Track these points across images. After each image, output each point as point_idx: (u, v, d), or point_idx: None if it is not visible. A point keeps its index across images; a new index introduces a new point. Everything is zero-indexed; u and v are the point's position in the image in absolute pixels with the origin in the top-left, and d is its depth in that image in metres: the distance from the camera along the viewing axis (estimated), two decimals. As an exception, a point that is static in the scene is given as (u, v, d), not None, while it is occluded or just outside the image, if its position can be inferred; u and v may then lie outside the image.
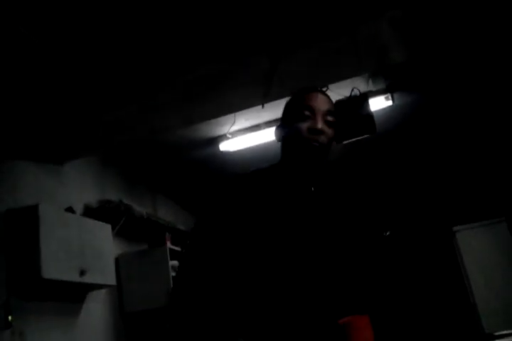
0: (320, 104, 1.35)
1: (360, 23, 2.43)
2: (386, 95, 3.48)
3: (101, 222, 3.36)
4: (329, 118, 1.35)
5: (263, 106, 2.84)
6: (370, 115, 3.27)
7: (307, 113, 1.33)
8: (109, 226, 3.43)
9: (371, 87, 3.38)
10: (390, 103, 3.51)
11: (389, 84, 3.45)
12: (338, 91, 3.26)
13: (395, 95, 3.53)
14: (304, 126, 1.32)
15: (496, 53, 3.17)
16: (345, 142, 3.45)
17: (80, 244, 3.05)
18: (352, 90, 3.32)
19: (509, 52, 3.17)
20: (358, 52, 2.37)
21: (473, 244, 4.92)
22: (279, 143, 1.40)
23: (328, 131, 1.34)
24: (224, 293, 1.25)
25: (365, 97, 3.24)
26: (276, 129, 1.42)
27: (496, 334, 2.10)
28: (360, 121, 3.24)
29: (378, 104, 3.48)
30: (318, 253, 1.27)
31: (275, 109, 3.66)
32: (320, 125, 1.32)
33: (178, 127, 3.29)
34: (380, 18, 2.33)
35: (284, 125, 1.39)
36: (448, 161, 4.68)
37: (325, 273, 1.26)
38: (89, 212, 3.54)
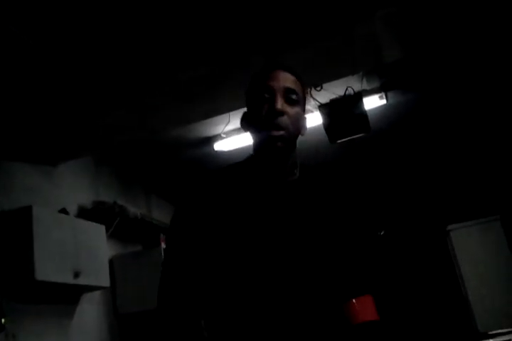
0: (279, 82, 1.21)
1: (355, 22, 2.42)
2: (380, 94, 3.48)
3: (95, 223, 3.33)
4: (292, 96, 1.21)
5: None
6: (364, 114, 3.28)
7: (267, 95, 1.20)
8: (103, 228, 3.41)
9: (365, 86, 3.38)
10: (384, 102, 3.51)
11: (383, 83, 3.45)
12: (332, 91, 3.27)
13: (389, 94, 3.54)
14: (263, 109, 1.19)
15: (490, 51, 3.18)
16: (339, 141, 3.46)
17: (74, 245, 3.03)
18: (346, 89, 3.32)
19: (504, 50, 3.18)
20: (353, 52, 2.37)
21: (467, 243, 4.93)
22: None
23: (291, 110, 1.20)
24: (203, 291, 1.20)
25: (359, 96, 3.25)
26: (241, 117, 1.30)
27: (490, 333, 2.10)
28: (354, 120, 3.25)
29: (372, 102, 3.48)
30: (289, 248, 1.19)
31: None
32: (278, 105, 1.18)
33: (175, 127, 3.28)
34: (374, 17, 2.32)
35: (246, 112, 1.27)
36: (442, 160, 4.70)
37: (296, 271, 1.18)
38: (83, 213, 3.52)
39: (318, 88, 3.11)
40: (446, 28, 2.58)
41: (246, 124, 1.27)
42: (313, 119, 3.37)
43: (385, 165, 4.71)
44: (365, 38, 2.41)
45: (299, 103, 1.24)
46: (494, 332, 2.10)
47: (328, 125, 3.29)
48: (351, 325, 1.19)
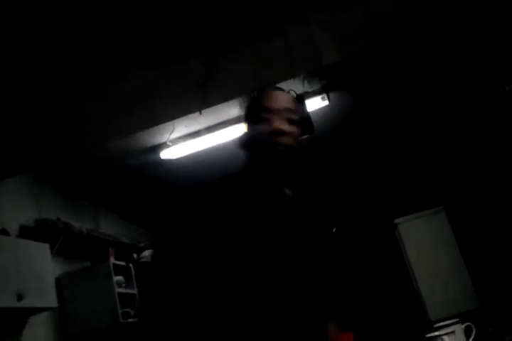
0: (277, 102, 1.25)
1: (291, 25, 2.44)
2: (322, 95, 3.53)
3: (38, 243, 3.19)
4: (290, 116, 1.24)
5: (200, 113, 2.79)
6: (307, 116, 3.31)
7: (265, 115, 1.23)
8: (47, 246, 3.27)
9: (307, 88, 3.42)
10: (326, 103, 3.56)
11: (324, 84, 3.50)
12: (274, 94, 3.29)
13: (331, 95, 3.60)
14: (264, 129, 1.22)
15: (429, 50, 3.29)
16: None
17: (16, 267, 2.88)
18: (288, 92, 3.35)
19: (442, 50, 3.31)
20: (291, 55, 2.39)
21: (415, 235, 5.09)
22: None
23: (291, 130, 1.23)
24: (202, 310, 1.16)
25: (301, 99, 3.28)
26: (241, 140, 1.31)
27: (439, 325, 2.18)
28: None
29: (315, 104, 3.52)
30: (298, 262, 1.20)
31: (214, 115, 3.67)
32: (279, 125, 1.21)
33: (115, 139, 3.19)
34: (309, 20, 2.35)
35: (245, 132, 1.29)
36: (385, 156, 4.83)
37: (302, 281, 1.19)
38: (25, 232, 3.37)
39: (261, 92, 3.11)
40: (381, 29, 2.64)
41: (246, 146, 1.28)
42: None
43: (332, 164, 4.79)
44: (301, 41, 2.43)
45: (297, 122, 1.26)
46: (443, 323, 2.17)
47: (273, 128, 3.31)
48: None
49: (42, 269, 3.13)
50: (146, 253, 4.34)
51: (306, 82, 3.36)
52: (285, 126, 1.22)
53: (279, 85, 3.07)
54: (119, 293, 3.69)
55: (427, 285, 4.88)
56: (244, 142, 1.28)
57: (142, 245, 4.54)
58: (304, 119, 3.27)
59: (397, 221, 5.13)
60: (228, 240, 1.16)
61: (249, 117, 1.29)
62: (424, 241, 5.02)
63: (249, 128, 1.28)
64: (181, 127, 3.54)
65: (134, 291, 4.00)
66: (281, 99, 1.27)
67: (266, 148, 1.21)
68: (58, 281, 3.57)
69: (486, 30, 3.11)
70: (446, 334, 2.04)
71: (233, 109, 3.28)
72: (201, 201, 1.22)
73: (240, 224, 1.18)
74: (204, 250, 1.16)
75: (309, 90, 3.47)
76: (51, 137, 3.09)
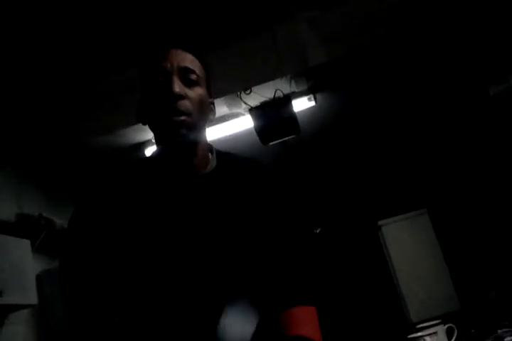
0: (173, 62, 1.04)
1: (279, 25, 2.45)
2: (309, 96, 3.54)
3: (18, 238, 3.14)
4: (190, 76, 1.05)
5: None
6: (293, 116, 3.33)
7: (161, 78, 1.04)
8: (27, 242, 3.22)
9: (294, 88, 3.43)
10: (312, 103, 3.58)
11: (311, 85, 3.52)
12: (262, 93, 3.29)
13: (318, 96, 3.61)
14: (159, 94, 1.02)
15: (416, 53, 3.32)
16: (271, 143, 3.49)
17: (-4, 263, 2.84)
18: (275, 92, 3.36)
19: (428, 53, 3.34)
20: (279, 55, 2.39)
21: (398, 237, 5.12)
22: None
23: (191, 93, 1.05)
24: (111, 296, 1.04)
25: (287, 99, 3.29)
26: (137, 108, 1.12)
27: (421, 326, 2.19)
28: (284, 122, 3.29)
29: (301, 104, 3.53)
30: (197, 250, 1.03)
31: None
32: (176, 88, 1.01)
33: (100, 134, 3.16)
34: (297, 19, 2.36)
35: (140, 100, 1.10)
36: (370, 158, 4.86)
37: (209, 275, 1.03)
38: (6, 228, 3.31)
39: (248, 91, 3.12)
40: (368, 30, 2.66)
41: (142, 115, 1.09)
42: (246, 122, 3.38)
43: (317, 164, 4.81)
44: (289, 41, 2.44)
45: (200, 84, 1.08)
46: (425, 324, 2.18)
47: (260, 128, 3.32)
48: (285, 336, 1.03)
49: (22, 265, 3.08)
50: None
51: (293, 82, 3.37)
52: (183, 89, 1.03)
53: (267, 85, 3.09)
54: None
55: (408, 287, 4.91)
56: (140, 112, 1.10)
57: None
58: (291, 119, 3.29)
59: (380, 223, 5.17)
60: (128, 221, 1.04)
61: (142, 80, 1.09)
62: (407, 243, 5.06)
63: (143, 93, 1.08)
64: (167, 124, 3.52)
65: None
66: (178, 57, 1.06)
67: (164, 119, 1.03)
68: (39, 278, 3.52)
69: (470, 35, 3.15)
70: (428, 335, 2.05)
71: (220, 107, 3.28)
72: (109, 183, 1.10)
73: (141, 208, 1.05)
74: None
75: (296, 90, 3.48)
76: (34, 132, 3.06)
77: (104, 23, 2.39)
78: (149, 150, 3.75)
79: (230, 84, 2.56)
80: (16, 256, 3.05)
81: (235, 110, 3.40)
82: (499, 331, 2.29)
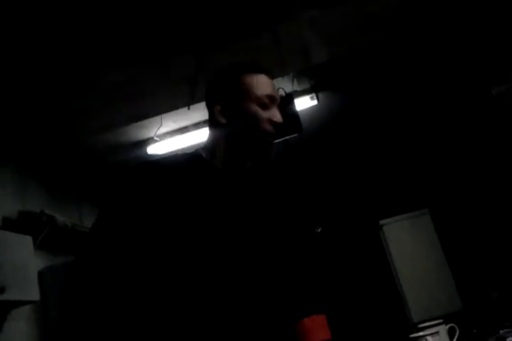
0: (276, 93, 1.20)
1: (281, 24, 2.45)
2: (311, 95, 3.54)
3: (20, 235, 3.15)
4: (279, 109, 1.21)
5: (189, 108, 2.79)
6: (296, 115, 3.32)
7: (267, 101, 1.17)
8: (30, 239, 3.23)
9: (296, 87, 3.43)
10: (315, 102, 3.58)
11: (313, 84, 3.52)
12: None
13: (320, 95, 3.61)
14: (264, 116, 1.15)
15: (418, 53, 3.32)
16: (274, 142, 3.49)
17: (-2, 259, 2.85)
18: (278, 90, 3.36)
19: (430, 53, 3.33)
20: (281, 53, 2.40)
21: (399, 237, 5.12)
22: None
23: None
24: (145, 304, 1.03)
25: (290, 97, 3.29)
26: (218, 110, 1.17)
27: (423, 325, 2.19)
28: (286, 120, 3.29)
29: (304, 103, 3.53)
30: (252, 253, 1.09)
31: (203, 110, 3.65)
32: (280, 117, 1.17)
33: (102, 131, 3.17)
34: (299, 19, 2.36)
35: (233, 108, 1.16)
36: (372, 158, 4.86)
37: (259, 276, 1.08)
38: (8, 224, 3.32)
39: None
40: (371, 29, 2.67)
41: (228, 119, 1.16)
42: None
43: (319, 163, 4.81)
44: (291, 40, 2.44)
45: None
46: (426, 324, 2.18)
47: (262, 126, 3.31)
48: None
49: (24, 262, 3.09)
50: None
51: (295, 81, 3.37)
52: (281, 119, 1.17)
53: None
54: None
55: (410, 287, 4.91)
56: (232, 120, 1.16)
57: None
58: (293, 118, 3.29)
59: (382, 222, 5.16)
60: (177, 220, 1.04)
61: (244, 94, 1.17)
62: (408, 243, 5.06)
63: (241, 107, 1.16)
64: (169, 122, 3.53)
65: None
66: (276, 90, 1.22)
67: (260, 136, 1.15)
68: (41, 275, 3.52)
69: (473, 35, 3.15)
70: (430, 334, 2.04)
71: (222, 105, 3.27)
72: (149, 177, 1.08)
73: (192, 209, 1.06)
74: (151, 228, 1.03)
75: (298, 89, 3.48)
76: (36, 129, 3.07)
77: (105, 21, 2.40)
78: (151, 148, 3.75)
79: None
80: (18, 253, 3.06)
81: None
82: (501, 331, 2.29)
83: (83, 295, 1.02)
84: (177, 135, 3.72)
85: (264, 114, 1.16)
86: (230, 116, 1.17)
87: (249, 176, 1.22)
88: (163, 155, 1.23)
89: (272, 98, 1.18)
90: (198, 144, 3.97)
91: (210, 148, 1.19)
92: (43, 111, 2.99)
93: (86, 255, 1.05)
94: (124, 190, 1.08)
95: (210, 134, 1.22)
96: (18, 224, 3.37)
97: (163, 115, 3.20)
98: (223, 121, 1.17)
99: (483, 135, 4.49)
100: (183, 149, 3.76)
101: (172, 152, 3.77)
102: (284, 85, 3.29)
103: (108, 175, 4.02)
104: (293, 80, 3.36)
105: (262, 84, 1.19)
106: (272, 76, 1.25)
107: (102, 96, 2.73)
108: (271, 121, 1.16)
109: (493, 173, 4.50)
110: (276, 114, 1.17)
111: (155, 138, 3.70)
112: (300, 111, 3.38)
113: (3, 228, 3.23)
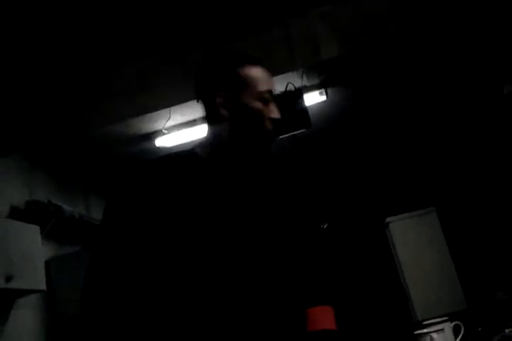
0: (273, 86, 1.19)
1: (292, 19, 2.44)
2: (320, 90, 3.53)
3: (28, 224, 3.18)
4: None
5: (198, 101, 2.79)
6: (304, 110, 3.31)
7: (268, 97, 1.16)
8: (37, 228, 3.26)
9: (305, 82, 3.42)
10: (324, 98, 3.57)
11: (323, 79, 3.50)
12: (274, 86, 3.29)
13: (329, 90, 3.60)
14: (266, 113, 1.15)
15: (428, 50, 3.30)
16: (281, 136, 3.48)
17: (5, 248, 2.87)
18: (287, 85, 3.35)
19: (441, 51, 3.31)
20: (291, 48, 2.39)
21: (405, 234, 5.10)
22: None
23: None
24: (152, 298, 1.05)
25: (299, 92, 3.28)
26: (220, 103, 1.14)
27: (427, 323, 2.19)
28: (295, 115, 3.28)
29: (313, 99, 3.52)
30: (259, 247, 1.10)
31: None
32: (278, 113, 1.17)
33: (111, 123, 3.18)
34: (310, 14, 2.35)
35: (235, 101, 1.14)
36: (380, 154, 4.84)
37: (266, 271, 1.10)
38: (16, 213, 3.35)
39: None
40: (381, 25, 2.65)
41: (227, 114, 1.14)
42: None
43: (326, 160, 4.80)
44: (302, 35, 2.43)
45: None
46: (431, 321, 2.18)
47: (270, 121, 3.31)
48: (306, 331, 1.14)
49: (31, 251, 3.12)
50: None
51: (304, 76, 3.36)
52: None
53: (279, 78, 3.08)
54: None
55: (415, 285, 4.90)
56: (232, 115, 1.14)
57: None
58: (302, 113, 3.28)
59: (388, 220, 5.16)
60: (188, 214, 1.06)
61: (245, 87, 1.14)
62: (414, 241, 5.04)
63: (241, 101, 1.13)
64: (177, 115, 3.53)
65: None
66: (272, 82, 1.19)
67: (262, 133, 1.15)
68: (47, 264, 3.56)
69: (485, 33, 3.12)
70: (435, 331, 2.04)
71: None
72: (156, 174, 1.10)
73: (196, 204, 1.08)
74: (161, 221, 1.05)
75: (307, 84, 3.47)
76: (44, 119, 3.08)
77: (120, 14, 2.40)
78: (159, 141, 3.76)
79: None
80: (26, 242, 3.09)
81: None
82: (506, 330, 2.28)
83: (92, 296, 1.06)
84: (185, 128, 3.72)
85: (265, 111, 1.15)
86: (232, 109, 1.15)
87: (252, 172, 1.21)
88: (161, 155, 1.22)
89: (271, 93, 1.18)
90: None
91: (210, 144, 1.19)
92: (53, 101, 3.00)
93: (97, 257, 1.12)
94: (127, 192, 1.11)
95: (210, 129, 1.20)
96: (26, 213, 3.40)
97: (171, 108, 3.20)
98: (226, 114, 1.15)
99: (492, 133, 4.46)
100: (191, 142, 3.76)
101: (180, 145, 3.78)
102: (294, 80, 3.28)
103: (116, 167, 4.04)
104: (302, 75, 3.35)
105: (262, 78, 1.17)
106: (265, 67, 1.22)
107: (113, 87, 2.74)
108: (270, 118, 1.16)
109: (501, 172, 4.47)
110: (275, 110, 1.17)
111: (163, 130, 3.71)
112: (309, 106, 3.37)
113: (10, 217, 3.26)
